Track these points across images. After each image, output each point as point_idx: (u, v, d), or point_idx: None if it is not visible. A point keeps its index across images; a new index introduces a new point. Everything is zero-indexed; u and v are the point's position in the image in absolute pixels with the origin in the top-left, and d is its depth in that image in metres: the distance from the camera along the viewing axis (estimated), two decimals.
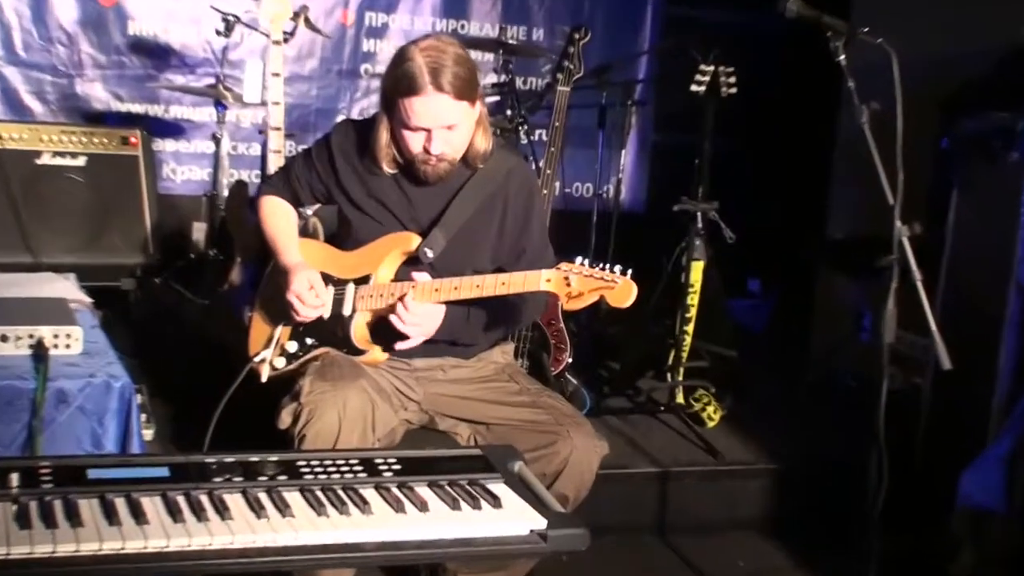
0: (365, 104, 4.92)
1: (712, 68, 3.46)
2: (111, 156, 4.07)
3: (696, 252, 3.54)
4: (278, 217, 2.48)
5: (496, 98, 4.10)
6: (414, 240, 2.30)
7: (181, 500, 1.50)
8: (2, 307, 2.34)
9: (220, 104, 4.10)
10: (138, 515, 1.44)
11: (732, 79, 3.48)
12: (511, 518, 1.57)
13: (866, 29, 2.31)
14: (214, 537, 1.41)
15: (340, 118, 4.65)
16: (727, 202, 3.58)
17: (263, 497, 1.54)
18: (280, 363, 2.36)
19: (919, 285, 2.22)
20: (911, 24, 3.60)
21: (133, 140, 4.12)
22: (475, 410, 2.34)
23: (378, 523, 1.52)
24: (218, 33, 3.95)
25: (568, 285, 2.05)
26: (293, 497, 1.55)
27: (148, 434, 2.77)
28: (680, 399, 3.61)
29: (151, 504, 1.48)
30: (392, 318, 2.23)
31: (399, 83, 2.16)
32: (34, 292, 2.60)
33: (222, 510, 1.48)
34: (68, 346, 2.21)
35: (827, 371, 4.06)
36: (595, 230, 4.40)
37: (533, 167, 3.72)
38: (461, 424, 2.35)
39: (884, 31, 2.29)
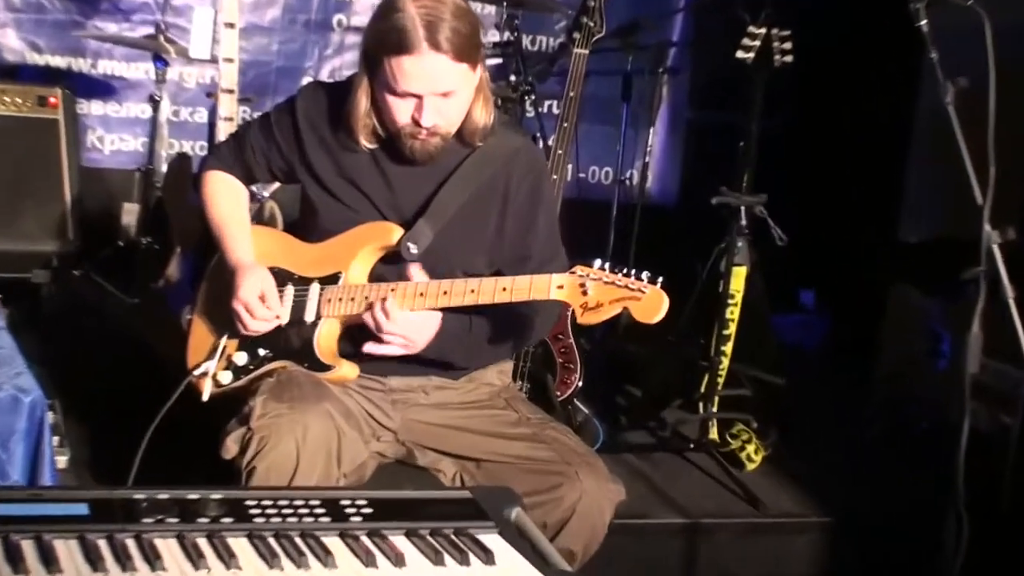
0: (337, 63, 4.93)
1: (763, 31, 3.46)
2: (25, 120, 4.06)
3: (738, 256, 3.54)
4: (227, 199, 2.48)
5: (497, 60, 4.11)
6: (394, 232, 2.30)
7: (103, 545, 1.48)
8: None
9: (160, 59, 4.10)
10: (49, 562, 1.43)
11: (787, 45, 3.49)
12: None
13: None
14: None
15: (307, 79, 4.66)
16: (776, 195, 3.58)
17: (203, 544, 1.52)
18: (226, 378, 2.36)
19: (1011, 303, 2.22)
20: None
21: (52, 100, 4.12)
22: (463, 443, 2.33)
23: None
24: None
25: (584, 294, 2.04)
26: (240, 544, 1.54)
27: (62, 461, 2.77)
28: (714, 435, 3.61)
29: (66, 549, 1.46)
30: (367, 319, 2.22)
31: (386, 39, 2.16)
32: None
33: (153, 559, 1.47)
34: None
35: (894, 404, 4.06)
36: (614, 226, 4.41)
37: (541, 147, 3.72)
38: (446, 459, 2.35)
39: None
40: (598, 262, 2.07)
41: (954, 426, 2.27)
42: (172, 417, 2.28)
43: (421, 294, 2.21)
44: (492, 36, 4.30)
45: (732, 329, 3.56)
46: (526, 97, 3.90)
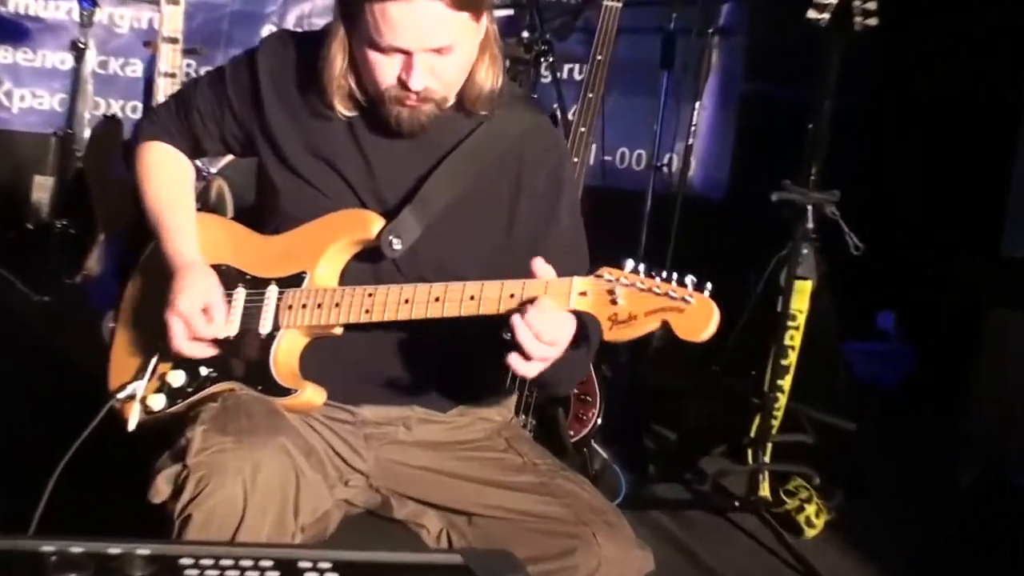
0: (307, 8, 4.95)
1: None
2: None
3: (802, 267, 3.55)
4: (167, 176, 2.48)
5: (507, 12, 4.12)
6: (373, 223, 2.29)
7: None
8: None
9: None
10: None
11: (871, 4, 3.49)
12: None
13: None
14: None
15: (268, 28, 4.67)
16: (850, 192, 3.59)
17: None
18: (158, 402, 2.35)
19: None
20: None
21: None
22: (452, 492, 2.33)
23: None
24: None
25: (613, 303, 2.03)
26: None
27: None
28: (765, 491, 3.61)
29: None
30: (519, 331, 2.06)
31: None
32: None
33: None
34: None
35: (993, 456, 4.05)
36: (647, 223, 4.41)
37: (559, 121, 3.73)
38: (430, 512, 2.34)
39: None
40: (630, 263, 2.05)
41: None
42: (89, 449, 2.26)
43: (406, 300, 2.20)
44: None
45: (792, 359, 3.56)
46: (542, 59, 3.92)
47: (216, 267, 2.35)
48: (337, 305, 2.25)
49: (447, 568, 1.74)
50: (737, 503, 3.61)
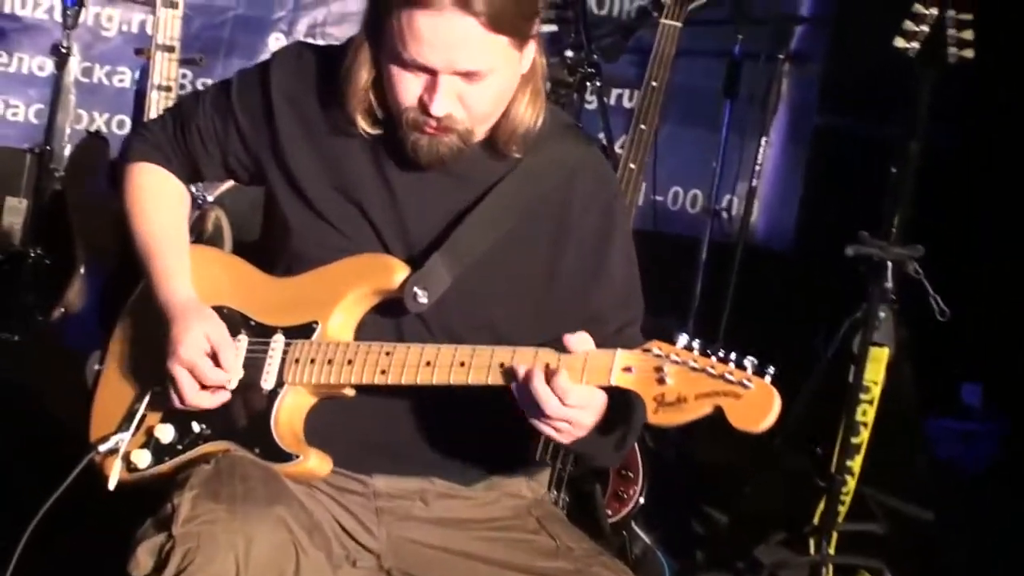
0: (320, 16, 4.96)
1: (934, 12, 3.48)
2: None
3: (879, 332, 3.54)
4: (159, 204, 2.49)
5: (551, 28, 4.13)
6: (397, 271, 2.29)
7: None
8: None
9: None
10: None
11: (967, 34, 3.50)
12: None
13: None
14: None
15: (276, 36, 4.71)
16: (935, 248, 3.58)
17: None
18: (143, 460, 2.36)
19: None
20: None
21: None
22: None
23: None
24: None
25: (661, 382, 2.03)
26: None
27: None
28: None
29: None
30: (539, 393, 2.09)
31: None
32: None
33: None
34: None
35: None
36: (702, 273, 4.41)
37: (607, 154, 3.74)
38: None
39: None
40: (683, 337, 2.05)
41: None
42: (64, 510, 2.28)
43: (428, 363, 2.20)
44: None
45: (864, 436, 3.55)
46: (587, 82, 3.92)
47: (216, 309, 2.36)
48: (350, 363, 2.26)
49: None
50: None
